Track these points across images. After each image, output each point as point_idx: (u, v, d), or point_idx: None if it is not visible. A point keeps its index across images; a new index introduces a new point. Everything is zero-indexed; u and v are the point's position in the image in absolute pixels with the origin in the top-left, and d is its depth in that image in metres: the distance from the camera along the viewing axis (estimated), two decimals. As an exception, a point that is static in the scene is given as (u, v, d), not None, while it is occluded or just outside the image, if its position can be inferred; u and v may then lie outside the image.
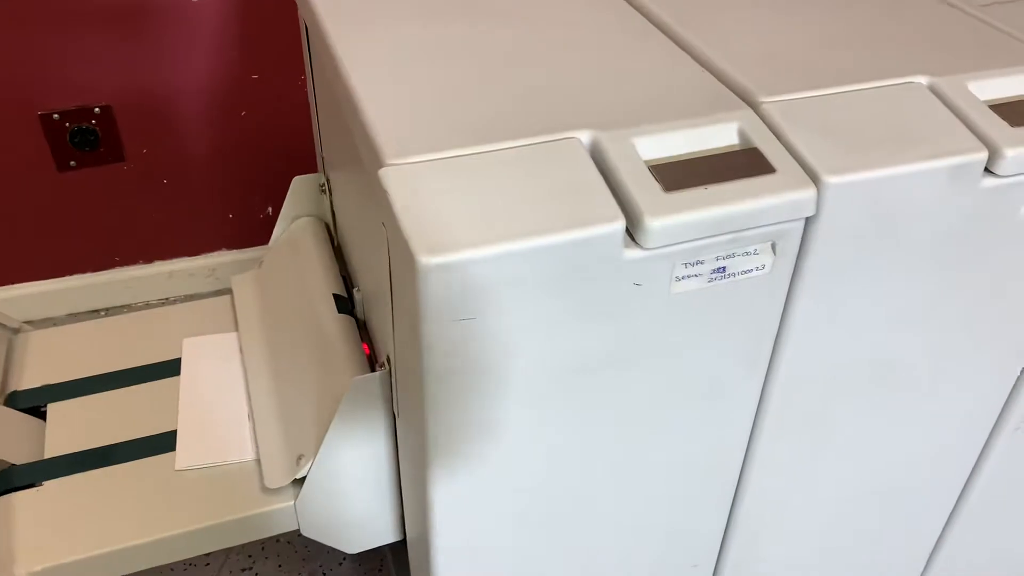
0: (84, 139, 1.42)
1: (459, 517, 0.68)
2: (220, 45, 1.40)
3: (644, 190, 0.58)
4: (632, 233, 0.58)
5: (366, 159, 0.63)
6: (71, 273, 1.55)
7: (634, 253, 0.58)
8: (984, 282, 0.73)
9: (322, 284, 0.86)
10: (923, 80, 0.69)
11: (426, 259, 0.53)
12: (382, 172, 0.58)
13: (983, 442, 0.88)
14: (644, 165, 0.60)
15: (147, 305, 1.24)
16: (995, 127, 0.66)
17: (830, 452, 0.80)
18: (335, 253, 0.93)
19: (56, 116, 1.39)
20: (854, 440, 0.80)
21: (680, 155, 0.62)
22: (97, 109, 1.40)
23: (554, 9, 0.79)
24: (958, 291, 0.72)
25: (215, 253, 1.60)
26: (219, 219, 1.57)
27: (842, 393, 0.75)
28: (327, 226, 0.97)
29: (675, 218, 0.57)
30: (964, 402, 0.82)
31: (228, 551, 1.22)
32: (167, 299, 1.11)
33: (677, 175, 0.60)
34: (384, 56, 0.71)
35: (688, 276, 0.60)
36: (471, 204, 0.56)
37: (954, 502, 0.93)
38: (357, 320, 0.84)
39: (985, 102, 0.68)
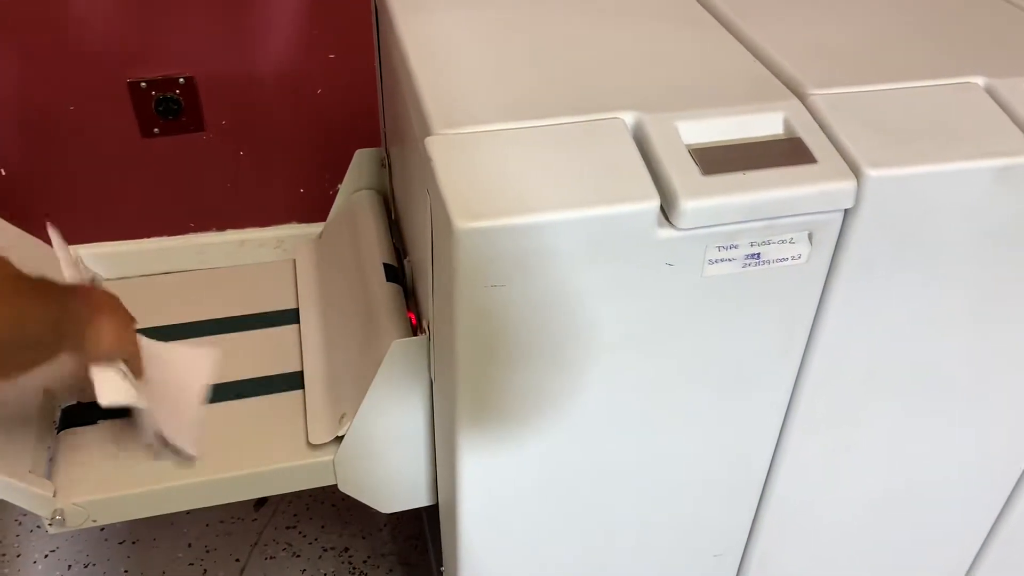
0: (168, 108, 1.49)
1: (485, 484, 0.70)
2: (299, 25, 1.45)
3: (682, 171, 0.59)
4: (667, 213, 0.59)
5: (417, 129, 0.66)
6: (147, 236, 1.63)
7: (667, 233, 0.59)
8: (1033, 290, 0.71)
9: (375, 253, 0.89)
10: (980, 81, 0.69)
11: (462, 224, 0.55)
12: (428, 140, 0.60)
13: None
14: (685, 148, 0.61)
15: (215, 270, 1.30)
16: (1051, 131, 0.65)
17: (862, 452, 0.79)
18: (391, 225, 0.96)
19: (143, 84, 1.45)
20: (889, 442, 0.79)
21: (722, 141, 0.62)
22: (182, 80, 1.46)
23: (613, -5, 0.81)
24: (1005, 295, 0.71)
25: (284, 225, 1.65)
26: (290, 192, 1.62)
27: (878, 392, 0.75)
28: (385, 199, 1.00)
29: (710, 200, 0.58)
30: (1011, 410, 0.81)
31: (274, 508, 1.27)
32: (236, 266, 1.17)
33: (717, 159, 0.60)
34: (442, 35, 0.74)
35: (721, 260, 0.61)
36: (511, 175, 0.58)
37: (996, 515, 0.91)
38: (406, 289, 0.87)
39: (1044, 105, 0.67)
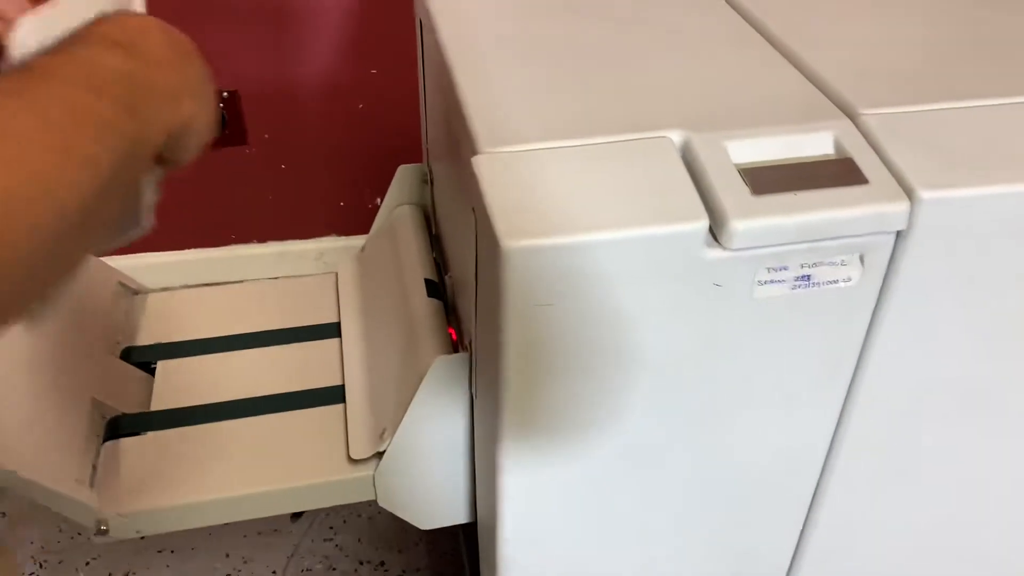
0: (212, 121, 1.51)
1: (527, 505, 0.70)
2: (342, 40, 1.46)
3: (731, 191, 0.58)
4: (716, 233, 0.58)
5: (463, 148, 0.66)
6: (190, 247, 1.65)
7: (716, 253, 0.58)
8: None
9: (416, 269, 0.90)
10: (1039, 101, 0.67)
11: (510, 243, 0.55)
12: (475, 159, 0.60)
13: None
14: (734, 167, 0.60)
15: (256, 282, 1.32)
16: (1112, 152, 0.63)
17: (913, 478, 0.77)
18: (432, 241, 0.97)
19: (189, 98, 1.48)
20: (941, 468, 0.78)
21: (772, 160, 0.62)
22: (225, 93, 1.48)
23: (656, 11, 0.80)
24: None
25: (324, 238, 1.66)
26: (330, 206, 1.63)
27: (930, 418, 0.73)
28: (426, 215, 1.01)
29: (759, 221, 0.57)
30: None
31: (311, 520, 1.27)
32: (276, 278, 1.18)
33: (766, 179, 0.60)
34: (488, 52, 0.74)
35: (771, 281, 0.60)
36: (558, 194, 0.58)
37: (1048, 546, 0.89)
38: (447, 305, 0.87)
39: (1104, 127, 0.65)
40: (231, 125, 1.52)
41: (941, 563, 0.86)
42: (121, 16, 0.44)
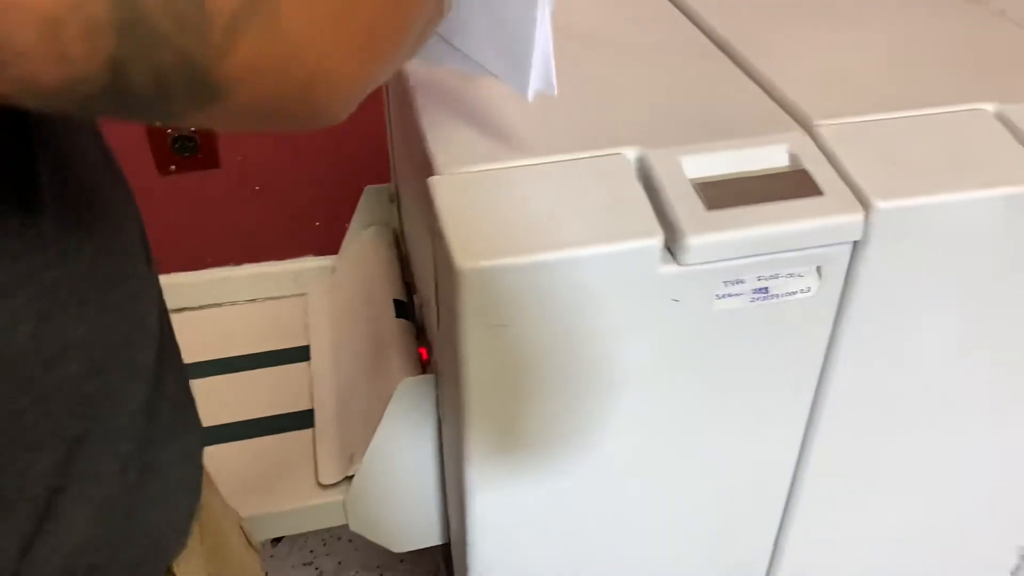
0: (184, 145, 1.50)
1: (496, 524, 0.70)
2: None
3: (685, 207, 0.58)
4: (671, 249, 0.58)
5: (421, 169, 0.66)
6: (165, 272, 1.64)
7: (672, 269, 0.58)
8: (1053, 318, 0.70)
9: (385, 289, 0.89)
10: (991, 107, 0.68)
11: (465, 264, 0.55)
12: (431, 180, 0.60)
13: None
14: (688, 182, 0.60)
15: (233, 304, 1.31)
16: (1064, 157, 0.63)
17: (884, 486, 0.78)
18: (401, 260, 0.96)
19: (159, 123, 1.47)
20: (912, 475, 0.78)
21: (727, 174, 0.62)
22: (198, 118, 1.48)
23: (614, 26, 0.81)
24: (1022, 323, 0.69)
25: (301, 259, 1.66)
26: (306, 226, 1.63)
27: (898, 426, 0.73)
28: (396, 234, 1.01)
29: (714, 236, 0.57)
30: (1033, 443, 0.79)
31: (292, 544, 1.26)
32: (253, 299, 1.18)
33: (722, 193, 0.60)
34: (447, 72, 0.74)
35: (729, 295, 0.60)
36: (513, 214, 0.58)
37: None
38: (417, 325, 0.86)
39: (1057, 131, 0.66)
40: (204, 148, 1.51)
41: (913, 569, 0.86)
42: None
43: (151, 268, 0.44)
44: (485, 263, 0.55)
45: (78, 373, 0.35)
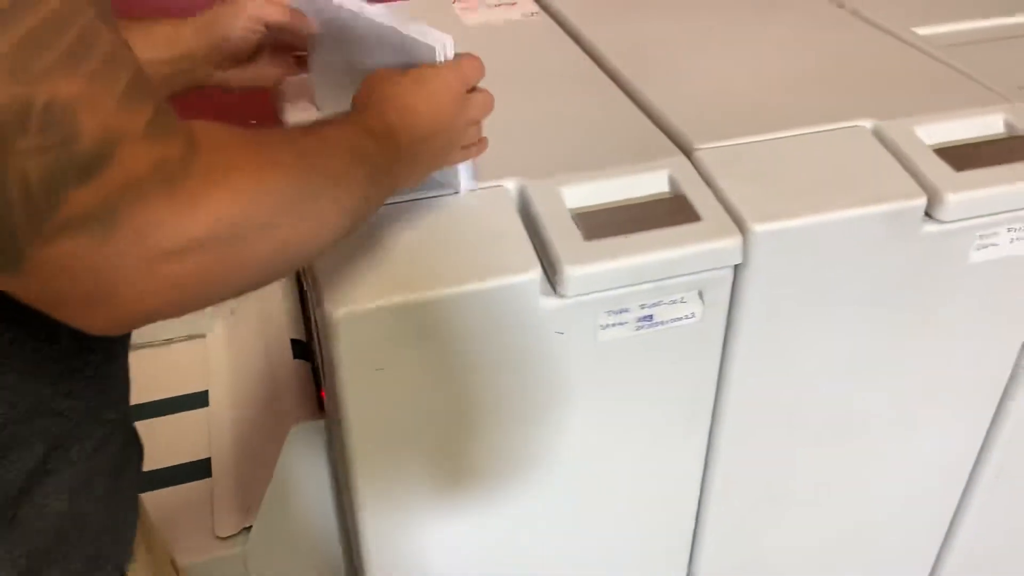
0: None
1: (392, 566, 0.67)
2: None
3: (564, 238, 0.57)
4: (552, 282, 0.57)
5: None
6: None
7: (553, 302, 0.57)
8: (941, 328, 0.71)
9: (283, 329, 0.87)
10: (868, 124, 0.68)
11: (336, 309, 0.53)
12: (303, 222, 0.58)
13: (961, 491, 0.85)
14: (568, 213, 0.60)
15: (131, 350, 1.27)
16: (938, 172, 0.64)
17: (792, 503, 0.77)
18: (303, 297, 0.94)
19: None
20: (818, 490, 0.78)
21: (607, 203, 0.61)
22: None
23: (500, 54, 0.80)
24: (913, 338, 0.70)
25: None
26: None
27: (798, 443, 0.73)
28: (298, 273, 0.98)
29: (592, 267, 0.56)
30: (935, 449, 0.80)
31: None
32: (150, 343, 1.14)
33: (600, 223, 0.59)
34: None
35: (613, 324, 0.60)
36: (389, 254, 0.56)
37: (935, 555, 0.90)
38: (314, 365, 0.84)
39: (931, 146, 0.67)
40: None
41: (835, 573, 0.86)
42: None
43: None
44: (357, 307, 0.53)
45: None
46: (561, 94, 0.74)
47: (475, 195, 0.61)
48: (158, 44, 0.62)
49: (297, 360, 0.83)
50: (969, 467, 0.82)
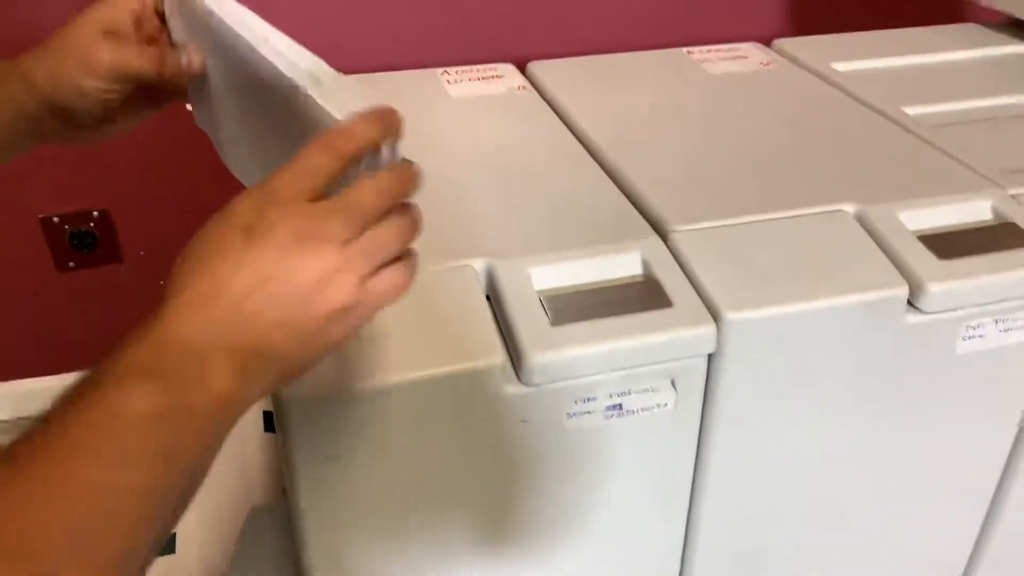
0: (83, 241, 1.45)
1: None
2: (213, 156, 1.44)
3: (529, 323, 0.56)
4: (516, 369, 0.55)
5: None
6: (67, 370, 1.57)
7: (517, 389, 0.55)
8: (928, 420, 0.68)
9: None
10: (850, 208, 0.67)
11: (291, 393, 0.51)
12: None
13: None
14: (536, 296, 0.58)
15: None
16: (921, 259, 0.62)
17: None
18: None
19: (56, 219, 1.42)
20: (794, 566, 0.75)
21: (577, 285, 0.60)
22: (96, 213, 1.44)
23: (481, 127, 0.79)
24: (898, 429, 0.68)
25: (209, 353, 1.60)
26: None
27: (777, 536, 0.71)
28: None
29: (559, 353, 0.54)
30: (926, 543, 0.76)
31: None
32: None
33: (569, 307, 0.57)
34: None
35: (580, 413, 0.57)
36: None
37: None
38: (287, 438, 0.82)
39: (914, 232, 0.65)
40: (104, 244, 1.47)
41: None
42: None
43: None
44: (313, 392, 0.52)
45: None
46: (540, 171, 0.73)
47: (441, 275, 0.59)
48: None
49: (268, 433, 0.80)
50: (963, 565, 0.78)
